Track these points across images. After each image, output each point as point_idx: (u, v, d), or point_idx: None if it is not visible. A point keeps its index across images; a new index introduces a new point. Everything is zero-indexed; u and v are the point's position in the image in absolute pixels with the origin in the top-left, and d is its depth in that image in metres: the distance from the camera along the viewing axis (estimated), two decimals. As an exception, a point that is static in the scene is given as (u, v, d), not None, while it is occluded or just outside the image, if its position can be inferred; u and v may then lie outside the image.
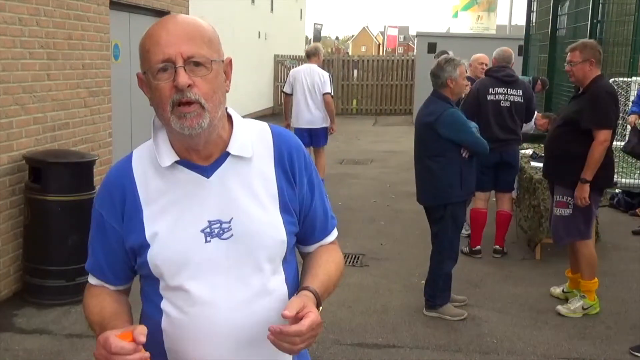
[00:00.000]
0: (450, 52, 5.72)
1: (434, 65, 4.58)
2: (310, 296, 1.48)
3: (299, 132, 7.75)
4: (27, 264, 4.84)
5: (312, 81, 7.78)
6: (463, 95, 4.70)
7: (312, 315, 1.39)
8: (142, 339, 1.34)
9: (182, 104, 1.41)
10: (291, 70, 8.37)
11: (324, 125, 7.97)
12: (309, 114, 7.83)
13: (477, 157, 4.57)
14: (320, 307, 1.49)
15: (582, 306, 4.65)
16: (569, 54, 4.52)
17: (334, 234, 1.71)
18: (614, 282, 5.27)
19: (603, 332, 4.44)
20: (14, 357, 4.01)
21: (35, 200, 4.72)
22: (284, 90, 8.18)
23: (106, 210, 1.54)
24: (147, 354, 1.35)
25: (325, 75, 7.89)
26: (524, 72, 9.29)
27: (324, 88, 7.76)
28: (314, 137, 7.91)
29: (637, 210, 7.59)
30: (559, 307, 4.71)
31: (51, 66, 5.28)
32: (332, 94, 8.02)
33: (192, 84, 1.41)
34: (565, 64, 4.60)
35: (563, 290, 4.94)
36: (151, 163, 1.53)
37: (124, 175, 1.54)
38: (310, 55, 8.07)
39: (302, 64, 19.59)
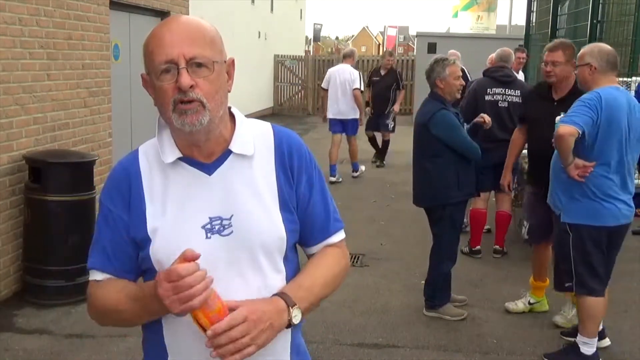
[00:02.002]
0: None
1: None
2: (273, 300, 1.47)
3: (333, 121, 9.33)
4: (27, 264, 4.84)
5: (344, 79, 9.11)
6: (458, 96, 4.66)
7: (232, 316, 1.38)
8: (197, 253, 1.35)
9: (184, 101, 1.43)
10: (329, 69, 9.77)
11: (354, 116, 9.25)
12: (339, 107, 9.17)
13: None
14: (295, 307, 1.48)
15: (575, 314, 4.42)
16: (548, 53, 4.27)
17: (338, 236, 1.68)
18: (614, 282, 5.25)
19: (603, 332, 4.43)
20: (14, 357, 4.01)
21: (35, 200, 4.72)
22: (322, 86, 9.62)
23: (114, 203, 1.55)
24: (210, 277, 1.35)
25: (355, 73, 9.19)
26: (524, 72, 9.27)
27: (353, 84, 9.08)
28: (345, 127, 9.29)
29: (637, 210, 7.58)
30: (557, 318, 4.49)
31: (51, 66, 5.28)
32: (362, 89, 9.32)
33: (195, 85, 1.43)
34: (543, 64, 4.34)
35: (529, 302, 4.72)
36: (155, 159, 1.55)
37: (130, 169, 1.57)
38: (346, 56, 9.57)
39: (301, 63, 19.91)
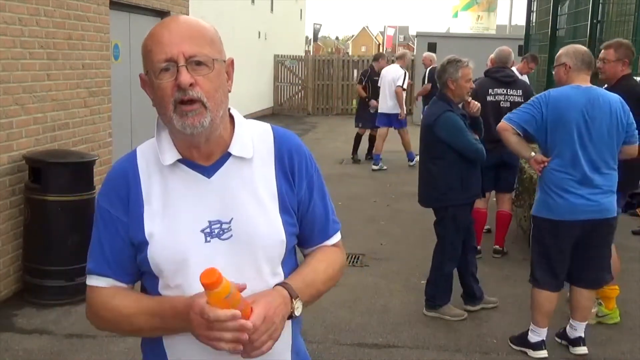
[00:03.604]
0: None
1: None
2: (278, 290, 1.48)
3: (380, 115, 10.53)
4: (27, 264, 4.84)
5: (391, 78, 10.29)
6: (467, 98, 4.65)
7: (257, 310, 1.39)
8: (244, 285, 1.39)
9: (184, 102, 1.42)
10: (383, 69, 10.82)
11: (398, 111, 10.36)
12: (386, 102, 10.35)
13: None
14: (297, 299, 1.49)
15: (597, 313, 4.52)
16: (603, 50, 4.45)
17: (336, 237, 1.70)
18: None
19: (603, 332, 4.44)
20: (14, 357, 4.01)
21: (35, 200, 4.72)
22: (379, 84, 10.69)
23: (112, 204, 1.54)
24: (246, 321, 1.35)
25: (400, 72, 10.31)
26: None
27: (397, 82, 10.18)
28: (392, 121, 10.45)
29: (637, 210, 7.59)
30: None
31: (51, 66, 5.28)
32: (404, 87, 10.35)
33: (194, 83, 1.42)
34: (597, 60, 4.50)
35: (597, 315, 4.62)
36: (154, 161, 1.54)
37: (128, 170, 1.55)
38: (398, 58, 10.83)
39: (301, 63, 19.99)
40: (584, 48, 4.00)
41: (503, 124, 3.94)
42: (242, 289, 1.38)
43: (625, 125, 3.81)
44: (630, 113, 3.85)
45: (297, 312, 1.49)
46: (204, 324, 1.35)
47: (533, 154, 3.91)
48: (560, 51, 4.03)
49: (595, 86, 3.93)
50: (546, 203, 3.89)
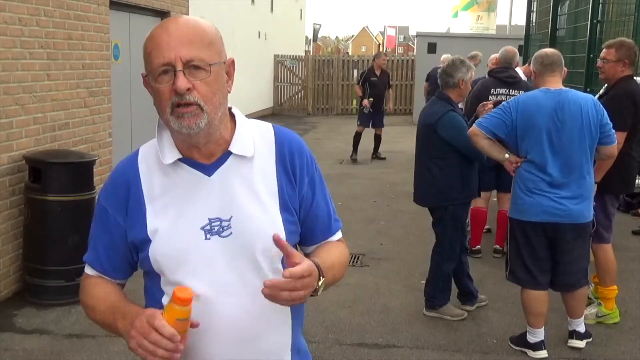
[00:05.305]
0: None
1: (446, 63, 4.58)
2: (310, 262, 1.48)
3: None
4: (27, 264, 4.84)
5: None
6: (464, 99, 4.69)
7: (305, 265, 1.40)
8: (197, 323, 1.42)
9: (181, 105, 1.43)
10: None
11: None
12: None
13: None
14: (323, 278, 1.48)
15: (597, 314, 4.52)
16: (604, 50, 4.43)
17: (338, 235, 1.71)
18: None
19: (603, 332, 4.44)
20: (14, 357, 4.01)
21: (35, 200, 4.72)
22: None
23: (111, 205, 1.57)
24: (181, 347, 1.37)
25: None
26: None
27: None
28: None
29: (637, 210, 7.59)
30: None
31: (51, 66, 5.28)
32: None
33: (192, 88, 1.43)
34: (598, 59, 4.53)
35: (597, 315, 4.61)
36: (155, 160, 1.55)
37: (129, 171, 1.57)
38: (470, 58, 11.62)
39: (301, 63, 20.04)
40: (546, 51, 4.03)
41: (474, 128, 3.95)
42: (195, 325, 1.42)
43: (598, 125, 3.77)
44: (605, 113, 3.81)
45: (319, 292, 1.48)
46: (144, 331, 1.36)
47: (507, 155, 3.92)
48: None
49: (567, 88, 3.91)
50: (516, 203, 3.93)
